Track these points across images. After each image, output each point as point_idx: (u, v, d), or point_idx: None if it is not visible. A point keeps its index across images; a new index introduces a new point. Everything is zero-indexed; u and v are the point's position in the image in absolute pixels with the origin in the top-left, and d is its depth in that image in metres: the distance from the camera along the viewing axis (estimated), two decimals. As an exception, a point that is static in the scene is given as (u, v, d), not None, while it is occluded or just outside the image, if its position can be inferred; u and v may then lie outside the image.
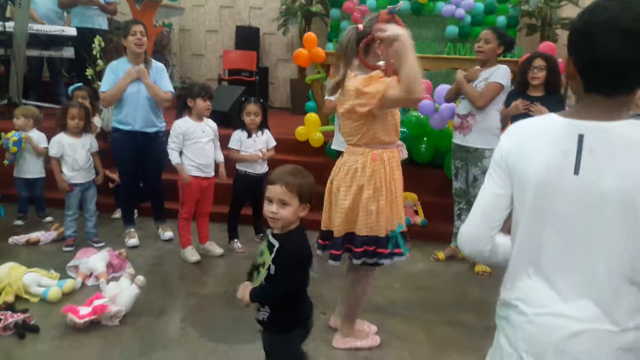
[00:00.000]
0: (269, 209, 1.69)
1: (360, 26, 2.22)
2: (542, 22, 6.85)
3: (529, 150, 1.09)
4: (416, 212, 4.29)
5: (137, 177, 3.81)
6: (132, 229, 3.81)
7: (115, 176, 4.20)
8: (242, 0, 8.03)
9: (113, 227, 4.03)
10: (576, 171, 1.02)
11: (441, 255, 3.81)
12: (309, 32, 5.08)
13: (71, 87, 4.09)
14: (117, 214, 4.24)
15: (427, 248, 3.87)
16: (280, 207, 1.67)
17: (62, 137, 3.51)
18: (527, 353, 1.09)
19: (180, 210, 3.50)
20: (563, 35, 6.84)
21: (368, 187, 2.27)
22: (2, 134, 3.80)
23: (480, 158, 3.43)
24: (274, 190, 1.68)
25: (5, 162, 3.83)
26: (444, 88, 4.00)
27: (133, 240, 3.73)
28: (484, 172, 3.46)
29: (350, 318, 2.55)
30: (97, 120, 4.02)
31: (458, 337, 2.73)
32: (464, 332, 2.76)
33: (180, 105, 3.54)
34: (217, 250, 3.65)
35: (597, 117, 1.03)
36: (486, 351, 1.27)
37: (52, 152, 3.50)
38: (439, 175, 4.37)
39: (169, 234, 3.88)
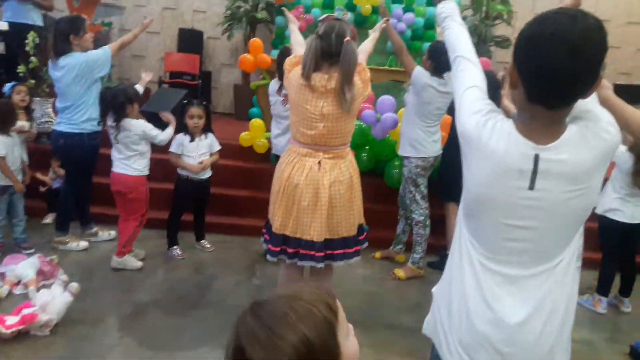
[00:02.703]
0: None
1: (319, 31, 2.25)
2: (477, 40, 7.21)
3: (487, 158, 1.13)
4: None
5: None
6: (69, 234, 3.64)
7: (47, 179, 4.01)
8: (186, 3, 7.89)
9: (44, 232, 3.83)
10: (531, 187, 1.09)
11: (377, 254, 3.98)
12: (254, 38, 5.07)
13: (8, 85, 3.86)
14: (49, 219, 4.03)
15: (366, 253, 3.95)
16: None
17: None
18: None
19: (141, 215, 3.41)
20: (496, 52, 7.23)
21: (359, 184, 2.42)
22: None
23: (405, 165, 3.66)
24: None
25: None
26: (385, 99, 4.13)
27: (84, 243, 3.60)
28: (407, 179, 3.64)
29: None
30: (25, 125, 3.76)
31: (398, 340, 2.81)
32: (404, 335, 2.85)
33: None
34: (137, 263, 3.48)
35: (547, 134, 1.08)
36: (426, 354, 1.34)
37: (2, 152, 3.28)
38: (379, 184, 4.48)
39: (106, 234, 3.76)
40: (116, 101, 3.22)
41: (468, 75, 1.26)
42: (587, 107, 1.14)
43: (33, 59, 4.25)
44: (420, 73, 3.44)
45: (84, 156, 3.47)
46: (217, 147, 3.72)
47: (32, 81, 4.33)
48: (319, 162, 2.29)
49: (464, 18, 6.87)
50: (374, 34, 2.84)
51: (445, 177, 3.71)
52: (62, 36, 3.35)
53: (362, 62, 2.37)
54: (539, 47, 1.03)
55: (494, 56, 7.15)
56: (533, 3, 7.87)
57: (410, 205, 3.69)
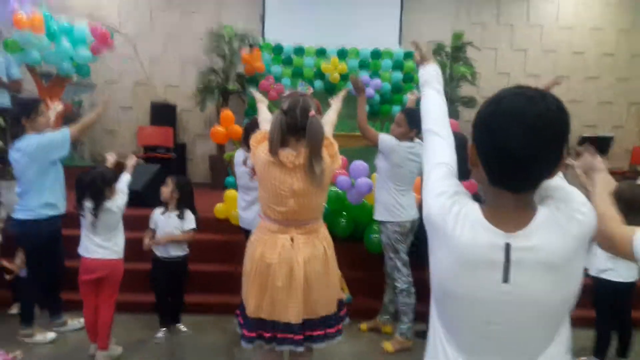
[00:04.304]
0: None
1: (284, 106, 2.25)
2: (449, 101, 7.43)
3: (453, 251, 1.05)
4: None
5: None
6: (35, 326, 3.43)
7: (13, 266, 3.81)
8: (158, 77, 8.01)
9: (10, 324, 3.60)
10: (505, 280, 1.00)
11: (363, 326, 3.82)
12: (226, 109, 5.12)
13: None
14: (14, 310, 3.81)
15: (352, 325, 3.80)
16: None
17: None
18: None
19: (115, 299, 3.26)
20: (464, 111, 7.44)
21: (334, 257, 2.34)
22: None
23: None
24: None
25: None
26: (358, 164, 4.15)
27: (51, 334, 3.41)
28: (385, 245, 3.56)
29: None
30: None
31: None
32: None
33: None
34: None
35: (516, 219, 1.01)
36: None
37: None
38: (360, 249, 4.41)
39: (76, 322, 3.58)
40: (95, 186, 3.11)
41: (436, 151, 1.23)
42: (556, 184, 1.09)
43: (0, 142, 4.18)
44: (385, 139, 3.42)
45: (43, 243, 3.32)
46: (190, 225, 3.56)
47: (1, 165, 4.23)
48: (292, 239, 2.23)
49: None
50: (335, 105, 2.85)
51: (425, 240, 3.65)
52: (16, 119, 3.31)
53: (328, 134, 2.37)
54: (495, 127, 1.00)
55: (461, 115, 7.36)
56: (495, 64, 8.25)
57: (392, 273, 3.59)
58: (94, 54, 6.03)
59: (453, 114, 7.19)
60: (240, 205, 3.55)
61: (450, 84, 7.31)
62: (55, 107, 3.77)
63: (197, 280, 4.10)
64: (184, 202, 3.56)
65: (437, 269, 1.09)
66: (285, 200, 2.20)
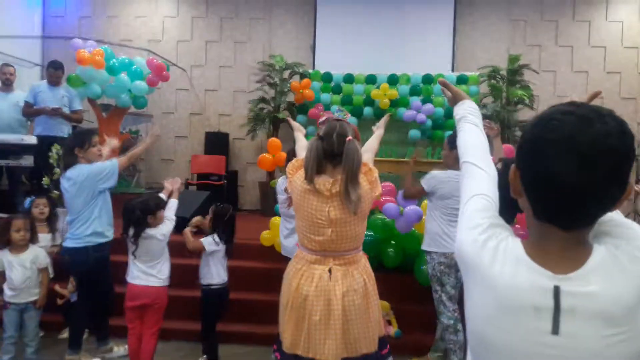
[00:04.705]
0: None
1: (320, 132, 2.19)
2: (500, 125, 7.14)
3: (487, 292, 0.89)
4: (389, 322, 4.06)
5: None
6: (81, 352, 3.46)
7: (65, 292, 3.91)
8: (212, 107, 8.23)
9: (59, 349, 3.65)
10: (555, 331, 0.83)
11: None
12: (273, 137, 5.13)
13: (27, 200, 3.91)
14: (65, 334, 3.87)
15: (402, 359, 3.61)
16: None
17: (3, 252, 3.27)
18: None
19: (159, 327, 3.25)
20: (521, 136, 7.11)
21: (375, 291, 2.20)
22: None
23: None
24: None
25: None
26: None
27: None
28: (431, 276, 3.38)
29: None
30: (46, 239, 3.76)
31: None
32: None
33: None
34: None
35: (567, 259, 0.85)
36: None
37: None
38: (410, 281, 4.20)
39: (122, 349, 3.58)
40: (134, 215, 3.15)
41: (474, 183, 1.09)
42: (611, 217, 0.90)
43: (56, 170, 4.34)
44: (427, 181, 3.38)
45: (90, 270, 3.36)
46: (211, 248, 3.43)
47: (56, 192, 4.39)
48: (329, 270, 2.11)
49: (484, 106, 6.93)
50: (378, 131, 2.77)
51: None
52: (69, 149, 3.41)
53: (369, 161, 2.28)
54: (540, 154, 0.84)
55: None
56: (554, 87, 7.88)
57: (438, 307, 3.37)
58: (150, 86, 6.27)
59: (510, 139, 6.89)
60: (283, 232, 3.48)
61: (507, 107, 7.02)
62: (109, 142, 3.89)
63: (239, 309, 4.03)
64: (216, 225, 3.48)
65: (472, 313, 0.94)
66: (322, 230, 2.10)
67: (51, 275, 3.59)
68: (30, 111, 5.54)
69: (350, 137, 2.09)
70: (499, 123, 7.10)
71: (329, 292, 2.07)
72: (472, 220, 0.98)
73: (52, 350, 3.63)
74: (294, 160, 2.28)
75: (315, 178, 2.08)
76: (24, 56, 7.49)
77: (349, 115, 2.33)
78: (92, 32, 7.99)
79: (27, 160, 5.30)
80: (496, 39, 7.91)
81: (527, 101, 7.01)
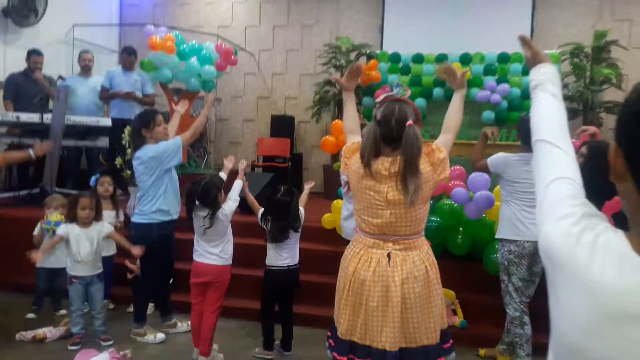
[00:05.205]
0: None
1: (378, 115, 2.05)
2: (583, 106, 6.62)
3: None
4: (454, 312, 3.87)
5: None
6: (146, 325, 3.58)
7: (134, 267, 4.05)
8: (278, 90, 8.25)
9: (126, 321, 3.80)
10: None
11: (482, 351, 3.46)
12: (337, 120, 5.03)
13: (92, 178, 4.09)
14: (132, 308, 4.03)
15: (467, 354, 3.42)
16: None
17: (72, 225, 3.42)
18: None
19: (220, 305, 3.28)
20: (607, 118, 6.56)
21: (438, 280, 2.07)
22: (47, 216, 3.79)
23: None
24: None
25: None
26: (478, 176, 3.75)
27: (161, 335, 3.52)
28: (500, 265, 3.18)
29: None
30: (110, 216, 3.93)
31: None
32: None
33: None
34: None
35: None
36: None
37: (60, 232, 3.40)
38: (479, 270, 3.97)
39: (185, 325, 3.66)
40: (209, 195, 3.17)
41: (553, 164, 0.91)
42: None
43: (128, 151, 4.50)
44: (492, 161, 3.22)
45: (154, 246, 3.44)
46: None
47: (129, 172, 4.56)
48: (388, 255, 1.98)
49: (565, 86, 6.41)
50: (459, 91, 2.30)
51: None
52: (136, 130, 3.50)
53: (447, 143, 2.14)
54: None
55: (604, 123, 6.48)
56: (647, 63, 7.17)
57: (504, 298, 3.17)
58: (219, 70, 6.36)
59: (594, 121, 6.36)
60: (343, 214, 3.39)
61: (591, 87, 6.47)
62: (178, 110, 3.97)
63: (302, 292, 4.00)
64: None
65: (561, 321, 0.77)
66: (380, 212, 1.97)
67: (114, 251, 3.73)
68: (106, 95, 5.80)
69: (410, 122, 1.94)
70: (582, 104, 6.60)
71: (387, 278, 1.95)
72: (559, 209, 0.82)
73: (120, 322, 3.79)
74: (349, 143, 2.17)
75: (372, 162, 1.97)
76: (103, 43, 7.86)
77: (409, 91, 2.13)
78: (165, 19, 8.23)
79: (103, 142, 5.57)
80: (580, 14, 7.28)
81: (614, 80, 6.42)
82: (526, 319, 3.07)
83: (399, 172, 1.93)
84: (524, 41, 1.31)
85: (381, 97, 2.12)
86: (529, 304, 3.16)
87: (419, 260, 2.01)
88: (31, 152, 3.72)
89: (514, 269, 3.08)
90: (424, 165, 1.96)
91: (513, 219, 3.09)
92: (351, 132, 2.30)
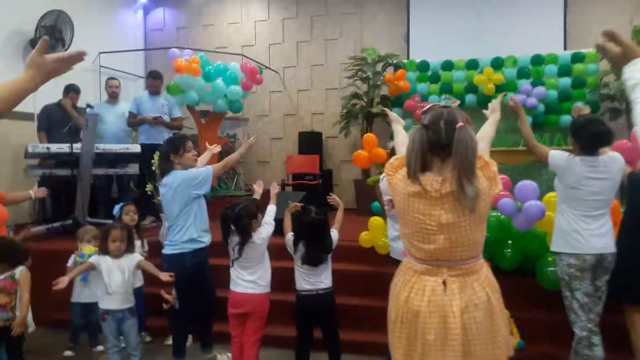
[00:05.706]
0: None
1: (425, 120, 1.88)
2: (626, 106, 6.28)
3: None
4: (510, 332, 3.60)
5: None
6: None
7: (170, 297, 3.93)
8: (305, 107, 8.15)
9: (166, 355, 3.66)
10: None
11: None
12: (368, 133, 4.86)
13: (116, 207, 4.01)
14: (170, 340, 3.89)
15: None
16: None
17: (104, 257, 3.30)
18: None
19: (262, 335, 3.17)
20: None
21: (502, 306, 1.85)
22: (81, 249, 3.72)
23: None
24: None
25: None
26: (526, 184, 3.52)
27: None
28: (561, 280, 2.93)
29: None
30: (136, 245, 3.77)
31: None
32: None
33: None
34: None
35: None
36: None
37: (91, 260, 3.30)
38: (532, 285, 3.71)
39: (225, 357, 3.50)
40: (241, 223, 3.07)
41: None
42: None
43: (159, 177, 4.41)
44: (555, 156, 2.95)
45: (189, 276, 3.30)
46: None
47: (159, 198, 4.47)
48: (444, 282, 1.78)
49: (605, 86, 6.12)
50: (493, 116, 2.38)
51: (622, 272, 2.89)
52: (165, 155, 3.39)
53: (484, 153, 1.89)
54: None
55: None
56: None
57: (569, 316, 2.92)
58: (245, 90, 6.29)
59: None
60: (390, 235, 3.19)
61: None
62: (211, 149, 3.88)
63: (343, 316, 3.79)
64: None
65: None
66: (432, 237, 1.76)
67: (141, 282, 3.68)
68: (134, 121, 5.78)
69: (461, 123, 1.75)
70: (624, 103, 6.27)
71: (444, 308, 1.74)
72: None
73: (157, 356, 3.65)
74: (392, 159, 1.95)
75: (420, 176, 1.75)
76: (129, 69, 7.91)
77: (457, 102, 1.97)
78: (189, 42, 8.26)
79: (133, 168, 5.53)
80: (616, 10, 6.97)
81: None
82: (595, 339, 2.82)
83: (452, 190, 1.73)
84: (611, 36, 1.13)
85: (427, 107, 1.95)
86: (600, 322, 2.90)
87: (479, 286, 1.80)
88: (31, 192, 3.85)
89: (577, 283, 2.83)
90: (481, 179, 1.76)
91: (569, 231, 2.87)
92: (403, 143, 2.14)
